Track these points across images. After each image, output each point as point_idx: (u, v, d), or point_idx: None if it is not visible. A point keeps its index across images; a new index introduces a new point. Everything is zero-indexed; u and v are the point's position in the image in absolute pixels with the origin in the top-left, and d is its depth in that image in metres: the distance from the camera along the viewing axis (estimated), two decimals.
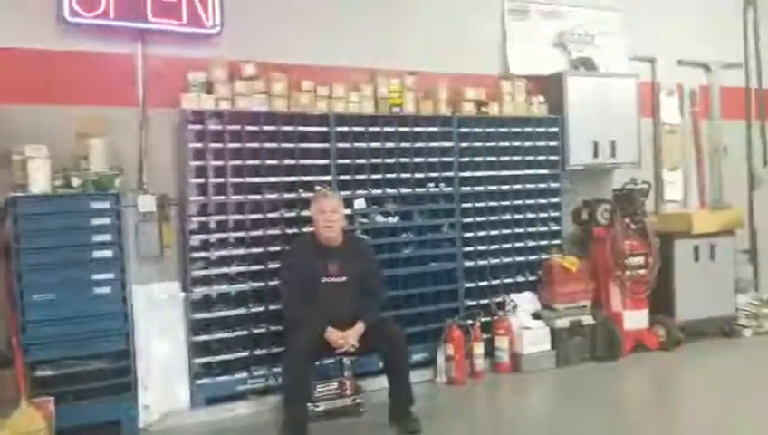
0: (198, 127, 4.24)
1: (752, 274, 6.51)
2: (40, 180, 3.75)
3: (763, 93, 6.63)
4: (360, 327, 3.86)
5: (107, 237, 3.90)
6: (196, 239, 4.28)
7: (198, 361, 4.23)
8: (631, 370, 5.00)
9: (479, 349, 4.77)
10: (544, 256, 5.22)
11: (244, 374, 4.28)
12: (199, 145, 4.24)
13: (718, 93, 6.28)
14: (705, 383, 4.73)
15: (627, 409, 4.29)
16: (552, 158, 5.31)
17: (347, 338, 3.83)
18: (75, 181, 3.88)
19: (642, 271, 5.21)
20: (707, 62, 6.26)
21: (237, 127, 4.31)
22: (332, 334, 3.81)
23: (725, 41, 6.47)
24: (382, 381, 4.06)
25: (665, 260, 5.34)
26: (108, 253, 3.89)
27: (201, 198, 4.28)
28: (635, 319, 5.23)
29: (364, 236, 4.59)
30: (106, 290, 3.89)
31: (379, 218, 4.75)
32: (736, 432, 3.69)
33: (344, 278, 3.99)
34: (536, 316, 5.05)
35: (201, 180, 4.27)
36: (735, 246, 5.82)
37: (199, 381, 4.20)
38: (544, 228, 5.30)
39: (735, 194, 6.39)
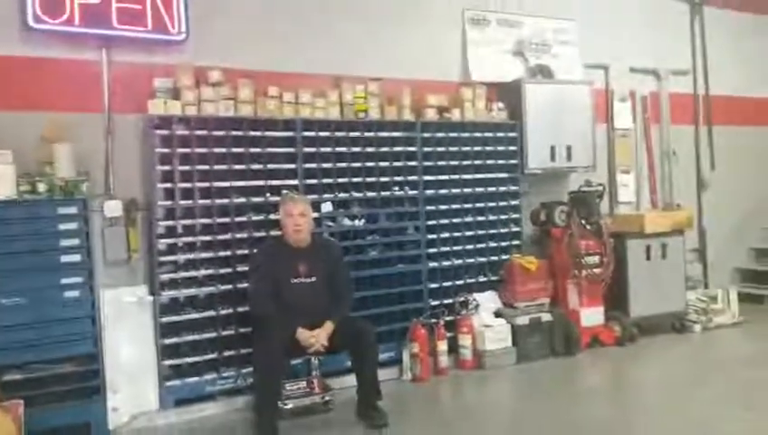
0: (165, 132, 4.29)
1: (701, 272, 6.84)
2: (5, 185, 3.77)
3: (710, 100, 6.96)
4: (329, 326, 3.96)
5: (74, 242, 3.93)
6: (163, 243, 4.32)
7: (167, 363, 4.27)
8: (588, 364, 5.22)
9: (443, 347, 4.92)
10: (505, 257, 5.41)
11: (213, 375, 4.34)
12: (166, 150, 4.29)
13: (668, 99, 6.58)
14: (657, 376, 4.98)
15: (584, 401, 4.48)
16: (512, 162, 5.51)
17: (317, 337, 3.92)
18: (41, 187, 3.90)
19: (597, 270, 5.44)
20: (657, 69, 6.55)
21: (204, 132, 4.37)
22: (302, 334, 3.90)
23: (674, 48, 6.80)
24: (350, 380, 4.18)
25: (619, 259, 5.59)
26: (76, 257, 3.93)
27: (168, 202, 4.33)
28: (591, 316, 5.46)
29: (332, 239, 4.70)
30: (75, 294, 3.93)
31: (346, 221, 4.86)
32: (686, 421, 3.91)
33: (313, 279, 4.09)
34: (498, 314, 5.22)
35: (168, 185, 4.31)
36: (685, 246, 6.10)
37: (168, 383, 4.25)
38: (505, 230, 5.49)
39: (685, 196, 6.71)
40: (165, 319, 4.28)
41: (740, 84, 7.11)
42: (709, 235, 6.90)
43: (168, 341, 4.28)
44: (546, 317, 5.26)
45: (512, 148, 5.50)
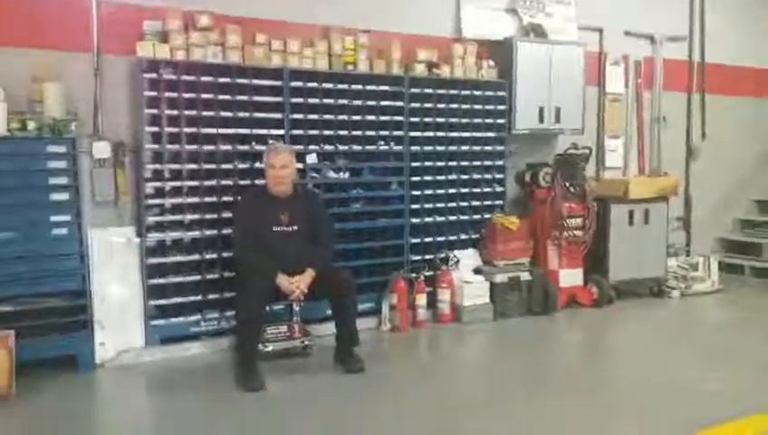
0: (153, 76, 4.32)
1: (684, 239, 6.94)
2: None
3: (705, 67, 6.93)
4: (309, 274, 4.06)
5: (63, 181, 4.02)
6: (150, 187, 4.40)
7: (153, 303, 4.40)
8: (563, 323, 5.37)
9: (422, 300, 5.05)
10: (488, 216, 5.48)
11: (198, 317, 4.48)
12: (154, 94, 4.33)
13: (661, 65, 6.55)
14: (631, 337, 5.15)
15: (554, 355, 4.64)
16: (500, 121, 5.53)
17: (297, 284, 4.03)
18: (31, 125, 3.97)
19: (579, 232, 5.53)
20: (653, 34, 6.51)
21: (192, 77, 4.40)
22: (283, 281, 4.01)
23: (672, 14, 6.73)
24: (330, 327, 4.32)
25: (601, 223, 5.68)
26: (64, 196, 4.03)
27: (156, 146, 4.39)
28: (570, 277, 5.58)
29: (315, 189, 4.77)
30: (63, 231, 4.03)
31: (330, 174, 4.93)
32: (651, 377, 4.06)
33: (295, 228, 4.18)
34: (477, 272, 5.34)
35: (155, 129, 4.37)
36: (669, 213, 6.16)
37: (154, 322, 4.39)
38: (489, 189, 5.55)
39: (673, 164, 6.75)
40: (151, 260, 4.39)
41: (736, 54, 7.07)
42: (695, 203, 6.96)
43: (153, 281, 4.39)
44: (525, 276, 5.38)
45: (500, 107, 5.51)
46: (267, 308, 4.21)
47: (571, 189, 5.58)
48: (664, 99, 6.67)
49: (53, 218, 4.00)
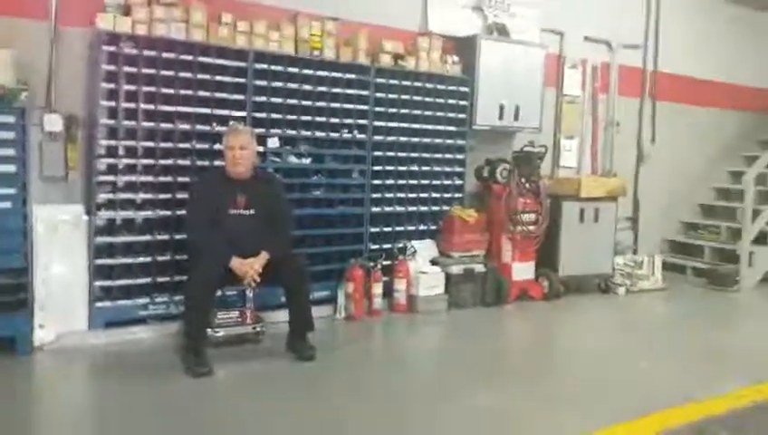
0: (112, 49, 4.17)
1: (632, 239, 7.19)
2: None
3: (657, 76, 7.19)
4: (263, 256, 3.98)
5: (10, 152, 3.84)
6: (103, 163, 4.25)
7: (99, 284, 4.25)
8: (514, 315, 5.50)
9: (378, 289, 5.06)
10: (446, 208, 5.55)
11: (146, 300, 4.35)
12: (112, 68, 4.19)
13: (617, 71, 6.77)
14: (576, 329, 5.32)
15: (505, 346, 4.76)
16: (461, 116, 5.60)
17: (252, 265, 3.94)
18: None
19: (532, 227, 5.66)
20: (610, 41, 6.71)
21: (153, 53, 4.28)
22: (236, 262, 3.92)
23: (629, 23, 6.96)
24: (283, 315, 4.24)
25: (554, 219, 5.83)
26: (11, 168, 3.85)
27: (111, 121, 4.24)
28: (522, 270, 5.70)
29: (275, 174, 4.71)
30: (6, 205, 3.85)
31: (292, 159, 4.89)
32: (588, 364, 4.25)
33: (252, 211, 4.10)
34: (434, 262, 5.39)
35: (112, 104, 4.22)
36: (618, 213, 6.38)
37: (99, 304, 4.23)
38: (448, 182, 5.62)
39: (624, 166, 6.99)
40: (99, 240, 4.24)
41: (688, 65, 7.37)
42: (643, 205, 7.22)
43: (101, 262, 4.25)
44: (479, 268, 5.47)
45: (462, 102, 5.58)
46: (219, 293, 4.14)
47: (527, 186, 5.70)
48: (618, 103, 6.89)
49: None
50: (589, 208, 6.03)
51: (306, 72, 4.84)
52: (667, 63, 7.20)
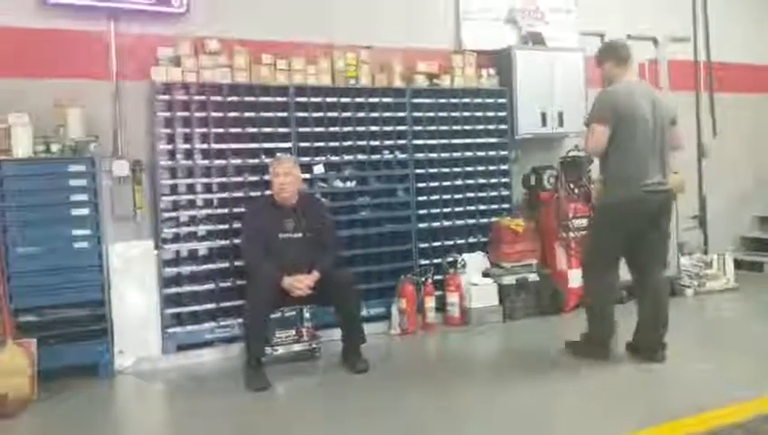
0: (167, 97, 4.61)
1: (701, 238, 6.88)
2: (23, 146, 4.12)
3: (711, 66, 6.93)
4: (315, 274, 4.22)
5: (84, 197, 4.26)
6: (166, 201, 4.66)
7: (169, 311, 4.61)
8: (572, 324, 5.33)
9: (431, 303, 5.16)
10: (495, 219, 5.59)
11: (212, 324, 4.66)
12: (168, 114, 4.62)
13: (666, 66, 6.58)
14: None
15: (562, 356, 4.66)
16: (502, 127, 5.65)
17: (303, 281, 4.17)
18: (54, 147, 4.25)
19: (585, 232, 5.58)
20: (655, 36, 6.56)
21: (203, 97, 4.68)
22: (287, 280, 4.16)
23: (675, 15, 6.76)
24: (338, 333, 4.42)
25: None
26: (85, 211, 4.27)
27: (170, 162, 4.66)
28: (579, 277, 5.58)
29: (320, 197, 4.95)
30: (84, 245, 4.27)
31: (337, 183, 5.13)
32: (653, 372, 4.10)
33: (299, 235, 4.37)
34: (486, 274, 5.43)
35: (170, 146, 4.65)
36: (681, 212, 6.15)
37: (170, 330, 4.58)
38: (494, 193, 5.66)
39: (685, 164, 6.71)
40: (167, 271, 4.63)
41: (744, 52, 7.06)
42: (710, 202, 6.92)
43: (169, 291, 4.62)
44: (533, 277, 5.45)
45: (501, 113, 5.64)
46: (279, 314, 4.40)
47: (576, 191, 5.64)
48: (672, 99, 6.66)
49: (75, 232, 4.24)
50: None
51: (344, 99, 5.09)
52: (722, 53, 6.92)
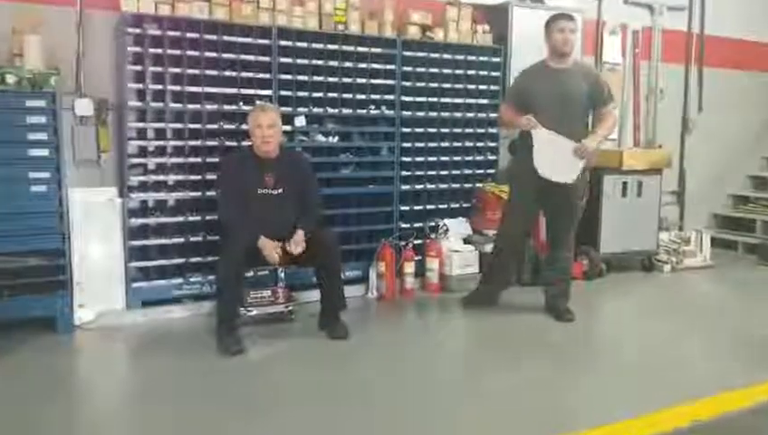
0: (137, 31, 4.19)
1: (678, 214, 6.89)
2: None
3: (704, 39, 6.81)
4: (300, 234, 3.97)
5: (43, 136, 3.89)
6: (133, 145, 4.32)
7: (134, 264, 4.33)
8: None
9: (410, 268, 4.99)
10: (479, 185, 5.42)
11: (180, 280, 4.42)
12: (138, 49, 4.21)
13: (660, 36, 6.42)
14: (618, 308, 5.15)
15: (542, 326, 4.58)
16: (494, 88, 5.42)
17: (276, 248, 3.92)
18: (10, 79, 3.83)
19: None
20: (652, 3, 6.37)
21: (177, 33, 4.27)
22: (263, 242, 3.90)
23: None
24: (316, 294, 4.22)
25: (594, 194, 5.58)
26: (44, 152, 3.90)
27: (139, 103, 4.28)
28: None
29: (303, 152, 4.67)
30: (42, 189, 3.93)
31: (319, 137, 4.84)
32: (625, 344, 4.14)
33: (280, 191, 4.08)
34: (467, 241, 5.28)
35: (139, 86, 4.26)
36: (662, 186, 6.10)
37: (135, 284, 4.32)
38: (481, 157, 5.47)
39: (669, 136, 6.66)
40: (133, 221, 4.31)
41: (737, 26, 6.93)
42: (689, 177, 6.89)
43: (135, 243, 4.32)
44: None
45: (494, 73, 5.40)
46: (250, 272, 4.17)
47: None
48: (661, 70, 6.55)
49: (32, 175, 3.89)
50: (631, 182, 5.78)
51: (331, 47, 4.75)
52: (716, 26, 6.78)
